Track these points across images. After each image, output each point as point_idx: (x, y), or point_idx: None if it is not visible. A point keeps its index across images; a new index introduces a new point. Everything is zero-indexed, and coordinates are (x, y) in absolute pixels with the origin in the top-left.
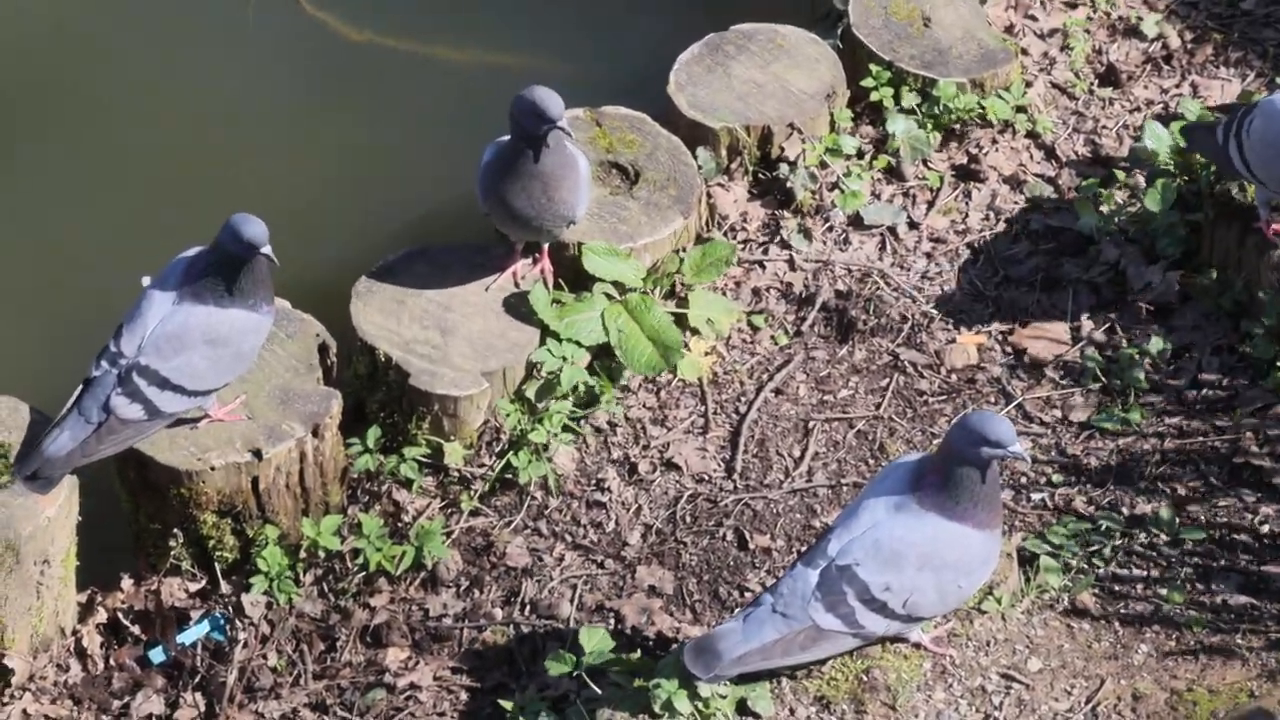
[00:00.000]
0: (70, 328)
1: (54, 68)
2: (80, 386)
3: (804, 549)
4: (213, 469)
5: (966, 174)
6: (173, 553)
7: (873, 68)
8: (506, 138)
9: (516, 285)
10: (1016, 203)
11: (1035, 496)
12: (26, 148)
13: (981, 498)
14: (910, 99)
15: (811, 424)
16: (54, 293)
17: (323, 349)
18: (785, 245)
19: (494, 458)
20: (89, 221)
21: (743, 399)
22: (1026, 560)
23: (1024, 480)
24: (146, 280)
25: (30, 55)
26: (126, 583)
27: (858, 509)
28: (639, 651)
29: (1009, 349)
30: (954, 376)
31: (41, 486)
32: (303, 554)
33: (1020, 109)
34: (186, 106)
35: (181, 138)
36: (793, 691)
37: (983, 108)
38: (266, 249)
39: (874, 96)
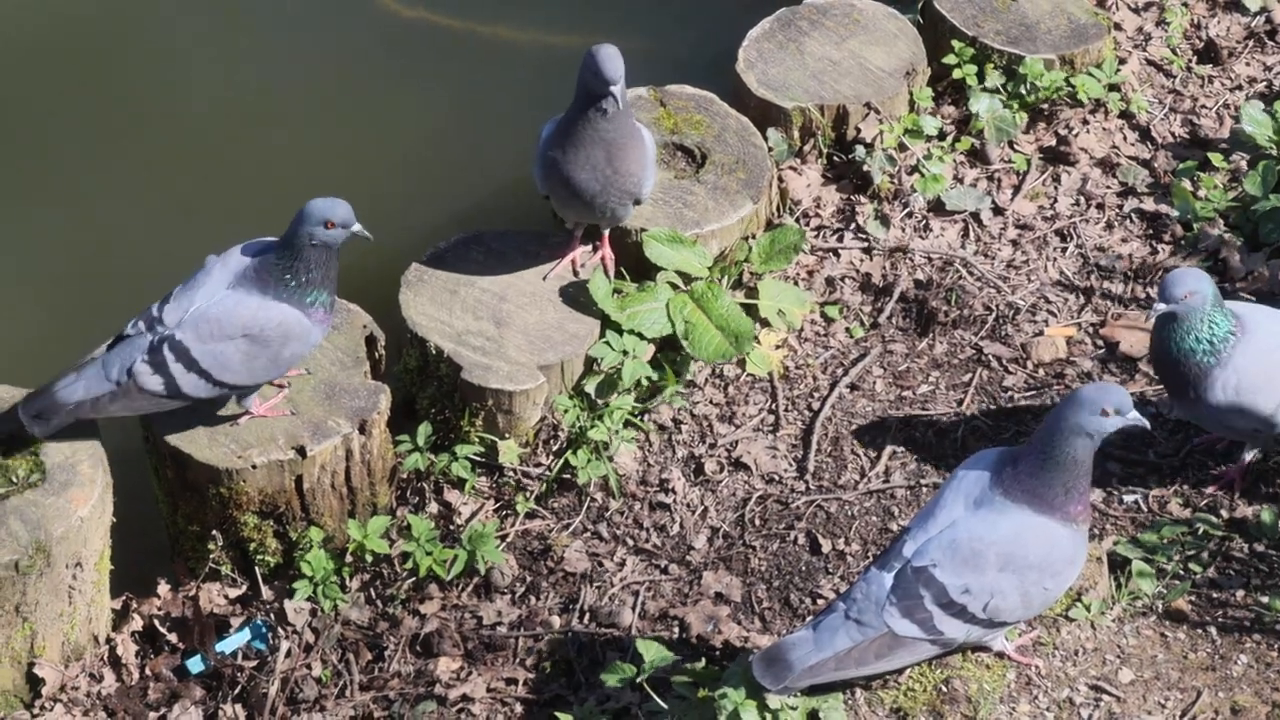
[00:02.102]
0: (108, 320)
1: (96, 49)
2: (111, 339)
3: (879, 552)
4: (254, 467)
5: (1055, 157)
6: (212, 557)
7: (955, 44)
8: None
9: (575, 274)
10: (1109, 187)
11: (1128, 498)
12: (64, 128)
13: (1074, 486)
14: (995, 77)
15: (889, 421)
16: (93, 280)
17: (370, 341)
18: (861, 232)
19: (551, 456)
20: (129, 208)
21: (816, 395)
22: (1118, 565)
23: (1115, 481)
24: (212, 258)
25: (72, 33)
26: (163, 588)
27: (935, 506)
28: (704, 661)
29: (1100, 342)
30: (1041, 371)
31: (40, 426)
32: (349, 558)
33: (1113, 88)
34: (233, 88)
35: (227, 120)
36: (867, 703)
37: (1072, 86)
38: (357, 226)
39: (956, 74)
